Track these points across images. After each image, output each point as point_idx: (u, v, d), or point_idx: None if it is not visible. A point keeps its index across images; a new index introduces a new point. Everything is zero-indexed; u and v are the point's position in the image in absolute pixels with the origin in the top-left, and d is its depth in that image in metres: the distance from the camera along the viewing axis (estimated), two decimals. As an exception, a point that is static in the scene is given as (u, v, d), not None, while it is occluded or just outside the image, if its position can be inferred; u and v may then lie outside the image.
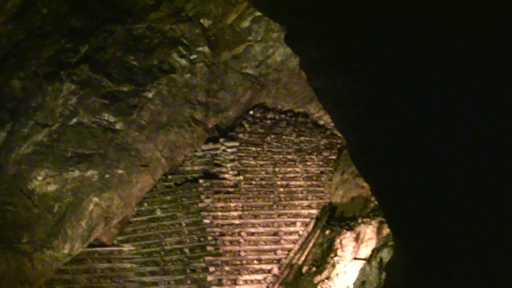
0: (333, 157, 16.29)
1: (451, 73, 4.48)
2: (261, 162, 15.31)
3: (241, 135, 15.23)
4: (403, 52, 4.95)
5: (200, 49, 13.55)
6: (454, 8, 4.14)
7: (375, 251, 12.26)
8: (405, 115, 5.17)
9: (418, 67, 4.79)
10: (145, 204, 14.61)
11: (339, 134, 16.58)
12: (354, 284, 12.71)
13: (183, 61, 13.45)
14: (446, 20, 4.26)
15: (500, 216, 4.52)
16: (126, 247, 14.31)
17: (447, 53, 4.39)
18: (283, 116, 16.06)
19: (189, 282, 13.93)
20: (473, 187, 4.66)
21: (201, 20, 13.26)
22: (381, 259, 11.72)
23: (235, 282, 14.04)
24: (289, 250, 14.78)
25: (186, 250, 14.23)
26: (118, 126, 13.06)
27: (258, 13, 13.55)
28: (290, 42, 7.03)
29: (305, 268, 14.65)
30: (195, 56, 13.54)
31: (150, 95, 13.26)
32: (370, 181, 6.51)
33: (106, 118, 12.92)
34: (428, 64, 4.65)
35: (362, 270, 12.68)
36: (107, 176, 13.25)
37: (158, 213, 14.52)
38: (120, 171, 13.37)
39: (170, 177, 14.74)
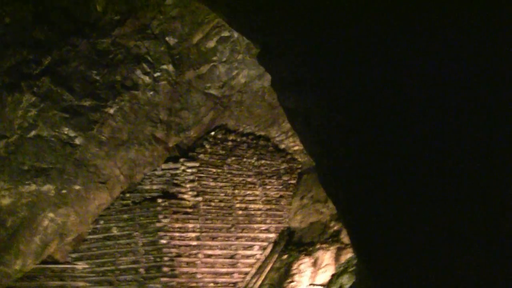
0: (293, 181, 16.73)
1: (424, 98, 4.73)
2: (221, 184, 15.60)
3: (201, 156, 15.50)
4: (378, 77, 5.12)
5: (164, 67, 13.82)
6: (431, 28, 4.43)
7: (335, 277, 12.63)
8: (378, 140, 5.34)
9: (392, 91, 5.00)
10: (101, 222, 14.66)
11: (299, 159, 17.07)
12: (313, 309, 13.07)
13: (147, 78, 13.69)
14: (424, 40, 4.56)
15: (471, 245, 4.71)
16: (80, 265, 14.29)
17: (424, 78, 4.65)
18: (244, 138, 16.40)
19: (143, 303, 14.03)
20: (446, 215, 4.83)
21: (167, 38, 13.57)
22: (341, 285, 12.08)
23: (190, 304, 14.25)
24: (246, 273, 15.04)
25: (142, 270, 14.31)
26: (77, 141, 13.15)
27: (224, 34, 14.00)
28: (262, 61, 7.20)
29: (261, 293, 14.96)
30: (158, 74, 13.79)
31: (111, 111, 13.44)
32: (339, 206, 6.65)
33: (65, 132, 13.00)
34: (403, 89, 4.88)
35: (321, 296, 13.08)
36: (64, 191, 13.30)
37: (114, 231, 14.59)
38: (77, 187, 13.47)
39: (128, 195, 14.85)
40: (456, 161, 4.58)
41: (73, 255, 14.48)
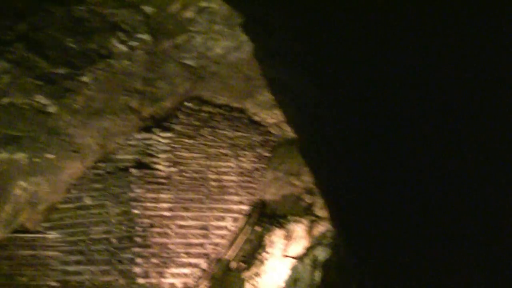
0: (267, 154, 16.85)
1: (416, 77, 4.81)
2: (195, 155, 15.66)
3: (176, 126, 15.50)
4: (369, 53, 5.04)
5: (141, 36, 13.70)
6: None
7: (309, 250, 12.85)
8: (366, 112, 5.32)
9: (382, 67, 4.93)
10: (74, 191, 14.64)
11: (274, 132, 17.19)
12: (286, 282, 13.28)
13: (122, 47, 13.58)
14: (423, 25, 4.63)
15: (449, 221, 4.71)
16: (51, 235, 14.32)
17: (422, 58, 4.72)
18: (219, 110, 16.43)
19: (115, 273, 14.05)
20: (427, 192, 4.83)
21: (144, 7, 13.41)
22: (315, 258, 12.31)
23: (162, 275, 14.34)
24: (218, 245, 15.23)
25: (114, 240, 14.35)
26: (51, 109, 13.06)
27: (202, 4, 13.89)
28: (247, 30, 7.18)
29: (233, 264, 15.14)
30: (135, 43, 13.67)
31: (86, 79, 13.34)
32: (319, 177, 6.72)
33: (39, 100, 12.87)
34: (395, 67, 4.81)
35: (294, 268, 13.29)
36: (36, 160, 13.25)
37: (87, 201, 14.59)
38: (50, 156, 13.43)
39: (101, 164, 14.81)
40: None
41: (45, 225, 14.47)
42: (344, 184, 5.99)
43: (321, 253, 12.89)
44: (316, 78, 5.92)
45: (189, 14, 13.99)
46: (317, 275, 12.26)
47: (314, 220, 15.19)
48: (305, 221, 15.22)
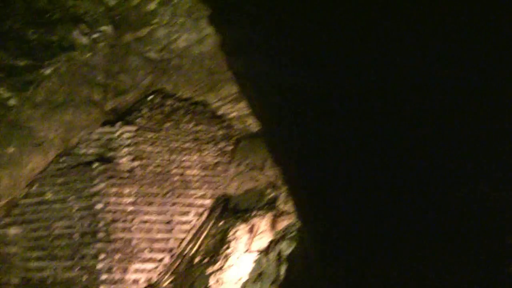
0: (230, 148, 16.90)
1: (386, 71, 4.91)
2: (158, 149, 15.61)
3: (138, 120, 15.44)
4: (333, 39, 5.16)
5: (103, 28, 13.62)
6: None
7: (273, 243, 12.92)
8: (331, 106, 5.41)
9: (354, 56, 5.06)
10: (35, 186, 14.42)
11: (237, 126, 17.25)
12: (250, 276, 13.33)
13: (84, 39, 13.48)
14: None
15: (412, 212, 4.92)
16: (13, 230, 14.10)
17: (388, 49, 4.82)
18: (182, 103, 16.41)
19: (77, 269, 13.86)
20: (390, 185, 5.06)
21: (107, -1, 13.40)
22: (280, 252, 12.39)
23: (125, 270, 14.21)
24: (182, 240, 15.19)
25: (76, 235, 14.17)
26: (12, 101, 12.87)
27: (166, -4, 13.92)
28: (214, 21, 7.21)
29: (197, 259, 15.13)
30: (97, 35, 13.58)
31: (47, 72, 13.18)
32: (285, 171, 6.81)
33: (-1, 92, 12.77)
34: (366, 62, 4.95)
35: (258, 262, 13.34)
36: (-4, 154, 13.11)
37: (49, 196, 14.39)
38: (11, 149, 13.24)
39: (63, 159, 14.65)
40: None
41: (6, 220, 14.23)
42: (310, 178, 6.07)
43: (286, 247, 12.98)
44: (284, 71, 5.96)
45: (152, 6, 13.94)
46: (282, 268, 12.32)
47: (278, 214, 15.29)
48: (268, 216, 15.28)
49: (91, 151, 14.88)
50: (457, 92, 4.38)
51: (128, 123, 15.29)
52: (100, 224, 14.27)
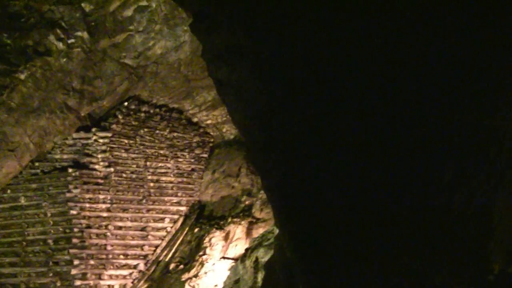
0: (205, 155, 17.03)
1: (365, 74, 5.05)
2: (133, 155, 15.67)
3: (114, 126, 15.47)
4: (315, 48, 5.32)
5: (79, 34, 13.69)
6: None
7: (250, 251, 12.98)
8: (313, 114, 5.53)
9: (332, 64, 5.21)
10: (9, 191, 14.41)
11: (212, 133, 17.39)
12: (226, 283, 13.37)
13: (60, 45, 13.54)
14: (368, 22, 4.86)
15: (382, 219, 5.19)
16: (-14, 236, 14.06)
17: (362, 54, 4.96)
18: (157, 110, 16.51)
19: (51, 275, 13.81)
20: (365, 194, 5.24)
21: (82, 4, 13.43)
22: (256, 258, 12.46)
23: (100, 276, 14.18)
24: (156, 246, 15.21)
25: (50, 241, 14.15)
26: (-15, 106, 12.92)
27: (142, 3, 13.98)
28: (195, 29, 7.29)
29: (172, 265, 15.17)
30: (73, 40, 13.64)
31: (22, 76, 13.21)
32: (267, 179, 6.65)
33: (-27, 97, 12.75)
34: (343, 64, 5.13)
35: (234, 269, 13.39)
36: (-30, 158, 13.06)
37: (22, 201, 14.36)
38: (-16, 154, 13.24)
39: (37, 164, 14.66)
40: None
41: (-22, 225, 14.17)
42: (288, 185, 6.10)
43: (263, 254, 13.05)
44: (262, 78, 6.02)
45: (129, 12, 14.03)
46: (259, 276, 12.39)
47: (253, 221, 15.40)
48: (244, 223, 15.38)
49: (66, 156, 14.87)
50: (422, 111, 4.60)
51: (103, 129, 15.32)
52: (75, 230, 14.25)
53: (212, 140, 17.34)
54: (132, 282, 14.61)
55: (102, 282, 14.28)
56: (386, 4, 4.50)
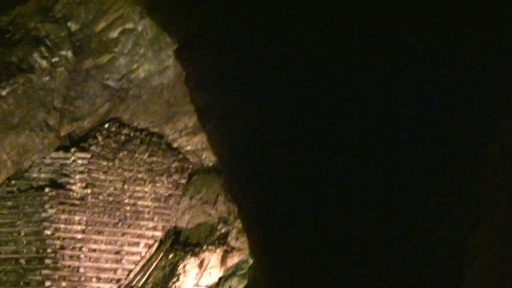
0: (183, 181, 17.00)
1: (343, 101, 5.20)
2: (111, 178, 15.62)
3: (93, 147, 15.45)
4: (298, 75, 5.50)
5: (63, 53, 13.77)
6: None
7: (223, 280, 12.98)
8: (295, 143, 5.68)
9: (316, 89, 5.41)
10: (-17, 208, 14.28)
11: (191, 159, 17.41)
12: (198, 311, 13.34)
13: (44, 63, 13.58)
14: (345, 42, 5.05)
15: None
16: (-43, 253, 13.85)
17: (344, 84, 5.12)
18: (138, 133, 16.51)
19: (22, 295, 13.72)
20: (344, 224, 5.33)
21: (69, 23, 13.56)
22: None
23: (71, 299, 14.12)
24: (130, 270, 15.08)
25: (22, 261, 13.94)
26: (-36, 121, 12.87)
27: (128, 26, 14.14)
28: (181, 55, 7.47)
29: (145, 291, 15.09)
30: (56, 59, 13.72)
31: (4, 92, 13.20)
32: (245, 209, 6.87)
33: (-48, 111, 12.70)
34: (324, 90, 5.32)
35: (207, 297, 13.38)
36: None
37: (-4, 219, 14.25)
38: (-39, 170, 13.15)
39: (13, 182, 14.54)
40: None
41: (-51, 242, 13.95)
42: (265, 215, 6.26)
43: (236, 284, 13.05)
44: (243, 110, 6.27)
45: (114, 34, 14.17)
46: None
47: (228, 250, 15.38)
48: (219, 251, 15.35)
49: (43, 175, 14.79)
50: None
51: (82, 149, 15.30)
52: (48, 250, 14.10)
53: (191, 166, 17.34)
54: (104, 306, 14.48)
55: (73, 305, 14.14)
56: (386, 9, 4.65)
